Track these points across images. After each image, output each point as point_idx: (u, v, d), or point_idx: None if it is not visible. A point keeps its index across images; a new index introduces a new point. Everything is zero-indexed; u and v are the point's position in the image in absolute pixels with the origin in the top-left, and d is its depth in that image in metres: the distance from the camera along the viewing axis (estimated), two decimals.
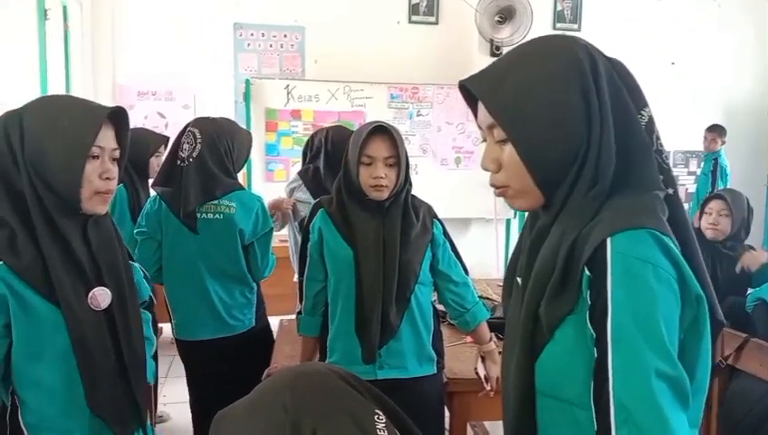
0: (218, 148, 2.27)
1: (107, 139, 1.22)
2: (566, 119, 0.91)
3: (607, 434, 0.82)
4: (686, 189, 5.89)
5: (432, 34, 5.31)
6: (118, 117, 1.25)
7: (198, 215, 2.26)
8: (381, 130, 1.80)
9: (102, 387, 1.23)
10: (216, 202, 2.26)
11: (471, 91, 0.97)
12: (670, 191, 0.94)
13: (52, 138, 1.16)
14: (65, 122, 1.17)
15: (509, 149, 0.94)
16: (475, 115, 1.00)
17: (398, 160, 1.80)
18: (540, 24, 5.27)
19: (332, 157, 2.77)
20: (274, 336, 2.55)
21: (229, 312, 2.33)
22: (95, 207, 1.23)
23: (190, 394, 2.43)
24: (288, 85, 4.80)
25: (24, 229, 1.16)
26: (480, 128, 0.99)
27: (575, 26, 5.62)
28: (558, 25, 5.59)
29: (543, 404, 0.97)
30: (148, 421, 1.38)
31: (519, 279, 1.03)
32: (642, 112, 0.95)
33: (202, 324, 2.31)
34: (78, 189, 1.18)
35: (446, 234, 1.96)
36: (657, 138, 0.96)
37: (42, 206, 1.17)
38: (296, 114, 4.80)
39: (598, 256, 0.85)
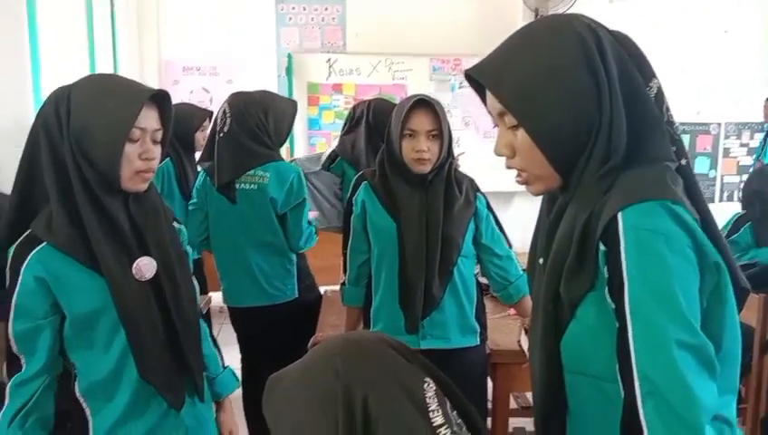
0: (248, 121, 2.32)
1: (149, 120, 1.25)
2: (575, 99, 0.90)
3: (633, 406, 0.83)
4: (738, 162, 5.69)
5: (474, 4, 5.21)
6: (161, 98, 1.28)
7: (237, 186, 2.33)
8: (424, 104, 1.80)
9: (151, 355, 1.27)
10: (251, 173, 2.32)
11: (478, 80, 0.97)
12: (683, 162, 0.93)
13: (95, 117, 1.20)
14: (108, 102, 1.20)
15: (521, 134, 0.94)
16: (485, 102, 1.00)
17: (441, 133, 1.80)
18: None
19: (373, 129, 2.78)
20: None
21: (270, 281, 2.39)
22: (135, 186, 1.26)
23: (241, 360, 2.51)
24: (329, 59, 4.80)
25: (65, 204, 1.20)
26: (490, 114, 0.99)
27: None
28: None
29: (572, 381, 0.98)
30: (205, 386, 1.42)
31: (540, 260, 1.04)
32: (650, 84, 0.93)
33: (246, 292, 2.39)
34: (118, 169, 1.21)
35: (489, 207, 1.95)
36: (667, 109, 0.94)
37: (84, 180, 1.20)
38: (338, 88, 4.80)
39: (610, 231, 0.85)
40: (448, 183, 1.87)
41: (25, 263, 1.20)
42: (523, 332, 2.02)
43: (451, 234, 1.85)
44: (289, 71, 4.74)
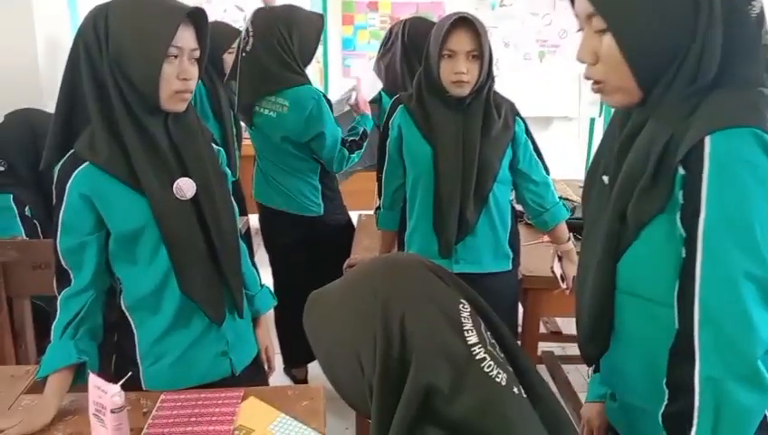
0: (271, 39, 2.23)
1: (186, 39, 1.24)
2: (670, 9, 0.85)
3: (689, 332, 0.83)
4: None
5: None
6: (198, 17, 1.26)
7: (257, 108, 2.32)
8: (464, 22, 1.74)
9: (193, 272, 1.32)
10: (272, 98, 2.28)
11: None
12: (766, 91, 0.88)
13: (133, 36, 1.19)
14: (145, 21, 1.20)
15: (607, 40, 0.90)
16: (572, 2, 0.95)
17: (482, 54, 1.74)
18: None
19: (410, 50, 2.70)
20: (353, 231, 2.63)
21: (296, 195, 2.44)
22: (174, 106, 1.27)
23: (274, 280, 2.58)
24: None
25: (106, 124, 1.22)
26: (577, 17, 0.95)
27: None
28: None
29: (622, 301, 0.98)
30: (245, 304, 1.47)
31: (605, 178, 1.01)
32: (753, 3, 0.87)
33: (275, 197, 2.47)
34: (156, 89, 1.21)
35: (528, 132, 1.92)
36: (767, 32, 0.89)
37: (124, 100, 1.21)
38: (373, 6, 4.66)
39: (694, 155, 0.83)
40: (487, 106, 1.83)
41: (70, 181, 1.23)
42: (556, 258, 2.02)
43: (488, 159, 1.83)
44: None
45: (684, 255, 0.86)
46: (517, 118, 1.90)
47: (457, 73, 1.74)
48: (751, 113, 0.83)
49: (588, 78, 0.96)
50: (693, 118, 0.85)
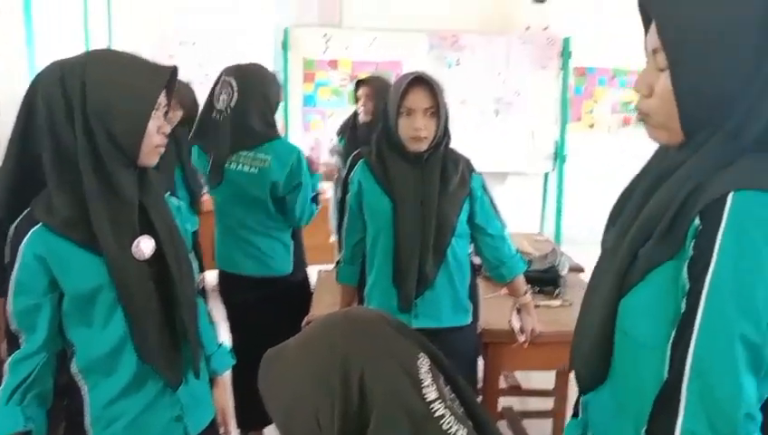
0: (255, 95, 2.25)
1: (162, 96, 1.27)
2: (732, 65, 0.86)
3: (677, 383, 0.83)
4: None
5: None
6: (171, 75, 1.29)
7: (230, 165, 2.29)
8: (421, 81, 1.79)
9: (150, 334, 1.28)
10: (250, 154, 2.27)
11: (647, 8, 0.94)
12: None
13: (120, 91, 1.20)
14: (132, 77, 1.22)
15: (665, 78, 0.91)
16: (646, 32, 0.97)
17: (438, 111, 1.80)
18: None
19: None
20: (311, 288, 2.61)
21: (265, 255, 2.39)
22: (151, 160, 1.28)
23: (232, 339, 2.52)
24: (326, 34, 4.76)
25: (65, 182, 1.20)
26: (646, 50, 0.96)
27: None
28: None
29: (620, 342, 0.98)
30: (202, 364, 1.44)
31: (630, 212, 1.02)
32: None
33: (241, 261, 2.40)
34: (140, 143, 1.23)
35: (483, 187, 1.96)
36: None
37: (95, 156, 1.20)
38: (333, 64, 4.77)
39: (714, 208, 0.83)
40: (444, 162, 1.87)
41: (25, 240, 1.20)
42: (514, 312, 2.04)
43: (446, 213, 1.86)
44: (285, 46, 4.70)
45: (684, 305, 0.86)
46: (473, 173, 1.94)
47: (415, 130, 1.79)
48: None
49: (637, 109, 0.98)
50: (724, 172, 0.86)
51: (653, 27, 0.92)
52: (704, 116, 0.89)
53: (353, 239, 2.00)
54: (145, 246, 1.27)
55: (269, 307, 2.40)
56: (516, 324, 2.01)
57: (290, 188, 2.31)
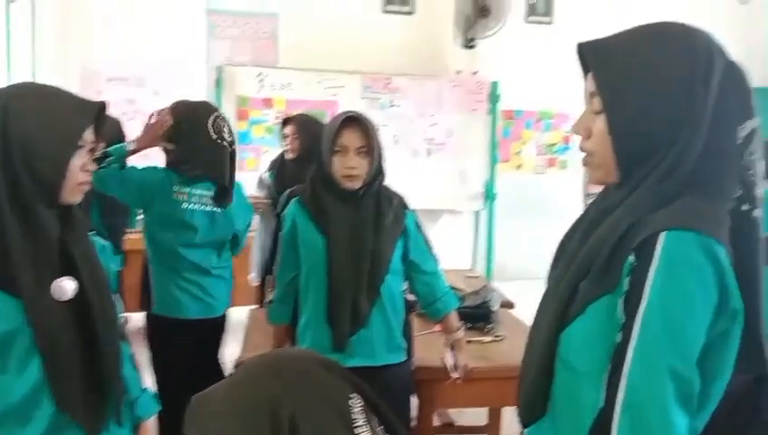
0: (209, 131, 2.27)
1: (88, 132, 1.24)
2: (662, 108, 0.92)
3: (611, 413, 0.86)
4: None
5: (406, 25, 5.31)
6: (100, 112, 1.27)
7: (189, 206, 2.26)
8: (353, 120, 1.83)
9: (69, 381, 1.22)
10: (208, 194, 2.29)
11: (585, 55, 0.99)
12: (744, 208, 0.94)
13: (43, 126, 1.16)
14: (57, 112, 1.18)
15: (601, 120, 0.96)
16: (585, 77, 1.02)
17: (371, 149, 1.83)
18: (513, 17, 5.32)
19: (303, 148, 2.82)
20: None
21: (216, 292, 2.36)
22: (74, 198, 1.24)
23: (157, 381, 2.41)
24: (260, 73, 4.77)
25: None
26: (584, 93, 1.01)
27: (547, 19, 5.68)
28: (530, 18, 5.65)
29: (560, 373, 1.00)
30: (126, 410, 1.37)
31: (572, 248, 1.05)
32: (746, 124, 0.94)
33: (186, 303, 2.32)
34: (62, 181, 1.19)
35: (417, 225, 1.99)
36: (752, 153, 0.95)
37: (15, 193, 1.16)
38: (268, 103, 4.77)
39: (647, 246, 0.87)
40: (378, 200, 1.90)
41: None
42: (447, 348, 2.06)
43: (380, 250, 1.87)
44: (219, 83, 4.68)
45: (619, 339, 0.89)
46: (407, 211, 1.97)
47: (348, 168, 1.81)
48: (708, 223, 0.87)
49: (581, 149, 1.03)
50: (659, 213, 0.90)
51: (590, 73, 0.99)
52: (637, 156, 0.95)
53: (287, 277, 1.98)
54: (67, 286, 1.22)
55: (203, 350, 2.33)
56: (450, 361, 2.03)
57: (247, 223, 2.36)
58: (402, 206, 1.97)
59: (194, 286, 2.31)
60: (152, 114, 2.24)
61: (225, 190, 2.30)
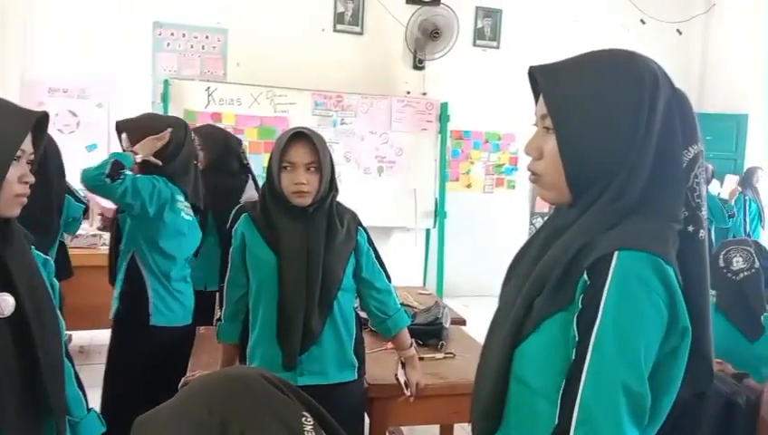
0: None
1: (27, 143, 1.18)
2: (610, 131, 0.95)
3: (565, 429, 0.87)
4: None
5: (357, 44, 5.36)
6: (37, 122, 1.21)
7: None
8: (302, 136, 1.81)
9: (5, 401, 1.16)
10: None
11: (536, 77, 1.01)
12: (690, 229, 0.97)
13: None
14: None
15: (552, 140, 0.98)
16: (537, 102, 1.04)
17: (321, 166, 1.81)
18: (461, 41, 5.43)
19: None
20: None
21: (189, 299, 2.47)
22: (12, 210, 1.18)
23: (105, 398, 2.33)
24: (209, 87, 4.71)
25: None
26: (535, 115, 1.03)
27: (494, 44, 5.82)
28: (478, 42, 5.78)
29: (514, 389, 1.01)
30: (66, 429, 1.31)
31: (524, 269, 1.06)
32: (690, 148, 0.98)
33: (178, 310, 2.42)
34: None
35: (369, 241, 1.98)
36: (696, 176, 0.99)
37: None
38: (217, 117, 4.71)
39: (600, 266, 0.89)
40: (330, 216, 1.87)
41: None
42: (399, 365, 2.05)
43: (332, 267, 1.85)
44: (165, 97, 4.59)
45: (574, 356, 0.90)
46: (359, 228, 1.96)
47: (297, 184, 1.79)
48: (658, 243, 0.91)
49: (529, 170, 1.04)
50: (609, 233, 0.93)
51: (541, 95, 1.01)
52: (588, 176, 0.98)
53: (236, 294, 1.94)
54: (4, 303, 1.15)
55: (184, 356, 2.27)
56: (402, 378, 2.01)
57: None
58: (354, 222, 1.95)
59: (182, 295, 2.42)
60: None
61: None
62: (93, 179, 2.15)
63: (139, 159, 2.28)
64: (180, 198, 2.38)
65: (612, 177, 0.96)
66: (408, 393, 1.99)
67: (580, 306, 0.91)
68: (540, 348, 0.97)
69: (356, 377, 1.95)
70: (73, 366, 1.41)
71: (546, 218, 1.17)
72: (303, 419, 0.75)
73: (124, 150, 2.34)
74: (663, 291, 0.89)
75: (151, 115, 2.67)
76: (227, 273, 1.93)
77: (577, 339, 0.90)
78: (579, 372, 0.87)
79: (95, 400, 2.24)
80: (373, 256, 1.98)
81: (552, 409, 0.92)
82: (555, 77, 0.99)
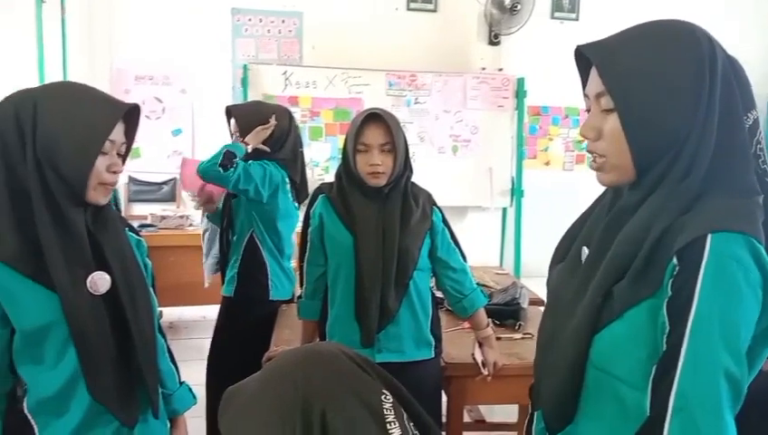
0: None
1: (117, 133, 1.24)
2: (674, 102, 0.92)
3: (660, 418, 0.84)
4: None
5: (430, 22, 5.29)
6: (129, 112, 1.27)
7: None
8: (376, 118, 1.81)
9: (103, 373, 1.24)
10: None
11: (588, 56, 0.98)
12: (760, 199, 0.93)
13: (69, 127, 1.17)
14: (83, 113, 1.18)
15: (613, 119, 0.95)
16: (584, 84, 1.01)
17: (395, 146, 1.81)
18: (538, 13, 5.26)
19: None
20: None
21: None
22: (98, 198, 1.24)
23: (213, 375, 2.55)
24: (286, 71, 4.79)
25: (17, 217, 1.16)
26: (586, 96, 1.01)
27: (573, 15, 5.61)
28: (556, 14, 5.58)
29: (593, 377, 0.99)
30: (161, 402, 1.38)
31: (586, 248, 1.04)
32: (749, 114, 0.95)
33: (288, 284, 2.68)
34: (86, 180, 1.19)
35: (444, 221, 1.98)
36: (758, 142, 0.96)
37: (46, 191, 1.17)
38: (294, 100, 4.79)
39: (693, 249, 0.86)
40: (405, 196, 1.88)
41: None
42: (476, 345, 2.04)
43: (407, 247, 1.86)
44: (244, 82, 4.71)
45: (665, 344, 0.87)
46: (434, 207, 1.96)
47: (372, 165, 1.80)
48: (749, 222, 0.88)
49: (590, 151, 1.01)
50: (693, 214, 0.90)
51: (593, 73, 0.97)
52: (654, 154, 0.94)
53: (315, 273, 1.98)
54: (100, 281, 1.23)
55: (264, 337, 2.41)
56: (479, 358, 2.01)
57: None
58: (429, 202, 1.96)
59: (291, 271, 2.66)
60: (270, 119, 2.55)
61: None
62: (208, 170, 2.36)
63: (250, 148, 2.47)
64: (288, 181, 2.57)
65: (678, 151, 0.92)
66: (485, 373, 1.98)
67: (670, 293, 0.87)
68: (624, 336, 0.94)
69: (432, 355, 1.97)
70: (166, 342, 1.49)
71: (594, 202, 1.12)
72: (383, 396, 0.76)
73: (232, 134, 2.58)
74: (757, 271, 0.85)
75: (257, 102, 2.83)
76: (306, 253, 1.98)
77: (668, 326, 0.87)
78: (674, 358, 0.84)
79: (186, 373, 2.38)
80: (448, 235, 1.97)
81: (636, 394, 0.90)
82: (611, 54, 0.95)
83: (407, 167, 1.90)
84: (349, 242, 1.86)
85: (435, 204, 1.97)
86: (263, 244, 2.54)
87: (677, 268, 0.87)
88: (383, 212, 1.86)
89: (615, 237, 0.97)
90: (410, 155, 1.93)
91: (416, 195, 1.92)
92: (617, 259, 0.95)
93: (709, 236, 0.86)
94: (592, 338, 0.97)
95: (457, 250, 1.99)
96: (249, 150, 2.47)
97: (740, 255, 0.85)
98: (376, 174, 1.81)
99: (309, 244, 1.97)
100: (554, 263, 1.13)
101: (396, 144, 1.81)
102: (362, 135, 1.81)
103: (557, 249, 1.14)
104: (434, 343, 1.97)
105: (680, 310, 0.85)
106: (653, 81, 0.92)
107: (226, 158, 2.35)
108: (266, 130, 2.50)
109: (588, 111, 1.01)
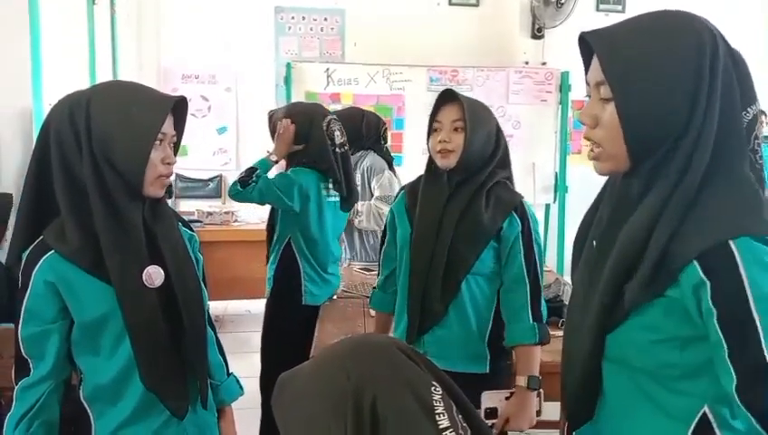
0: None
1: (168, 126, 1.27)
2: (672, 93, 0.91)
3: (754, 381, 0.86)
4: None
5: (472, 17, 5.26)
6: (177, 105, 1.30)
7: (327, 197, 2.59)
8: (449, 96, 1.77)
9: (156, 363, 1.28)
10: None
11: (590, 44, 0.98)
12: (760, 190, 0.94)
13: (122, 123, 1.21)
14: (135, 109, 1.22)
15: (611, 108, 0.95)
16: (587, 70, 1.02)
17: (466, 125, 1.70)
18: (583, 5, 5.17)
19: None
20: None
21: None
22: (155, 191, 1.28)
23: (269, 366, 2.58)
24: (328, 69, 4.83)
25: (76, 213, 1.21)
26: (587, 84, 1.01)
27: (619, 7, 5.50)
28: (601, 6, 5.48)
29: (611, 369, 1.00)
30: (209, 393, 1.42)
31: (594, 243, 1.05)
32: (749, 109, 0.94)
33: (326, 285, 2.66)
34: (143, 173, 1.23)
35: (524, 234, 1.76)
36: (756, 137, 0.95)
37: (103, 187, 1.21)
38: (336, 97, 4.82)
39: (721, 261, 0.87)
40: (476, 194, 1.74)
41: (36, 268, 1.21)
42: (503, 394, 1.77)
43: (458, 249, 1.74)
44: (288, 80, 4.76)
45: (717, 326, 0.88)
46: (513, 215, 1.77)
47: (441, 142, 1.73)
48: (757, 222, 0.88)
49: (586, 138, 1.02)
50: (700, 212, 0.90)
51: (595, 61, 0.97)
52: (650, 144, 0.94)
53: (389, 266, 1.97)
54: (155, 274, 1.27)
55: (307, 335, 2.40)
56: (490, 405, 1.73)
57: None
58: (509, 208, 1.76)
59: (332, 276, 2.64)
60: (279, 125, 2.52)
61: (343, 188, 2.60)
62: (231, 192, 2.48)
63: (273, 159, 2.51)
64: (323, 183, 2.54)
65: (677, 143, 0.92)
66: (490, 422, 1.71)
67: (714, 310, 0.87)
68: (642, 331, 0.95)
69: (487, 370, 1.78)
70: (216, 334, 1.53)
71: (600, 193, 1.12)
72: (432, 388, 0.77)
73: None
74: None
75: (288, 106, 2.83)
76: (383, 245, 1.98)
77: (718, 315, 0.87)
78: (749, 332, 0.85)
79: (233, 365, 2.43)
80: (521, 250, 1.75)
81: (656, 384, 0.93)
82: (611, 43, 0.95)
83: (492, 160, 1.78)
84: (408, 235, 1.82)
85: (519, 211, 1.78)
86: (299, 251, 2.54)
87: (710, 284, 0.87)
88: (446, 208, 1.76)
89: (618, 234, 0.98)
90: (500, 148, 1.81)
91: (497, 196, 1.76)
92: (621, 260, 0.96)
93: (732, 245, 0.86)
94: (605, 336, 0.99)
95: (525, 269, 1.76)
96: (275, 160, 2.52)
97: (764, 251, 0.86)
98: (444, 152, 1.73)
99: (386, 236, 1.97)
100: (574, 255, 1.14)
101: (467, 122, 1.70)
102: (437, 114, 1.77)
103: (575, 242, 1.15)
104: (489, 357, 1.78)
105: (736, 301, 0.86)
106: (652, 73, 0.92)
107: (244, 175, 2.43)
108: (286, 135, 2.49)
109: (588, 96, 1.02)
